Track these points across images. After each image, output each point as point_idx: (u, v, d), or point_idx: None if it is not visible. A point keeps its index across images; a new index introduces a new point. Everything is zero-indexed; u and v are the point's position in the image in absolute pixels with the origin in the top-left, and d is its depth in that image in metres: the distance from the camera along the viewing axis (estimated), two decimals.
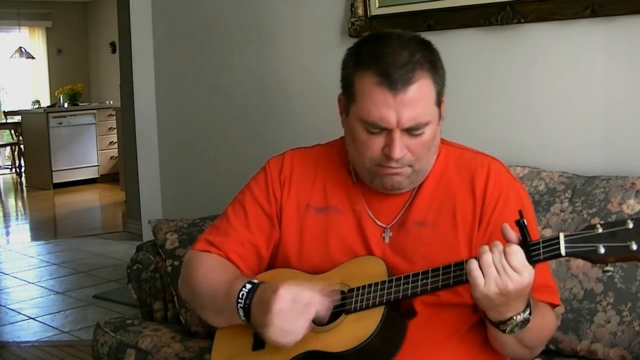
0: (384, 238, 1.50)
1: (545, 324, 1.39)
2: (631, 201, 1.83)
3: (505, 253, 1.22)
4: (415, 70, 1.37)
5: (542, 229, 1.90)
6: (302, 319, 1.33)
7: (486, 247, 1.25)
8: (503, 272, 1.22)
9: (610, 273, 1.20)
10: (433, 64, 1.41)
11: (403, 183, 1.46)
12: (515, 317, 1.28)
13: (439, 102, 1.43)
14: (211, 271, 1.54)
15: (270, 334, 1.33)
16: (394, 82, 1.36)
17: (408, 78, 1.36)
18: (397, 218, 1.50)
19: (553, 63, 2.20)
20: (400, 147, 1.39)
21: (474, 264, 1.24)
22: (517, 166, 2.08)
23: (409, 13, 2.47)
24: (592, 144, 2.15)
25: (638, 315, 1.74)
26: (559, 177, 2.00)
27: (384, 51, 1.39)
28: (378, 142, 1.41)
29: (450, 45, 2.39)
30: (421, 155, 1.43)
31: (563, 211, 1.91)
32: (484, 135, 2.33)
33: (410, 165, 1.43)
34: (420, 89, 1.37)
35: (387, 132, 1.39)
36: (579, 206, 1.89)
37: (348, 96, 1.45)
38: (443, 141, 1.56)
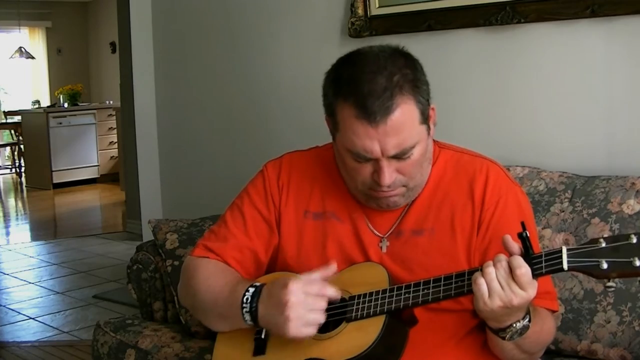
0: (381, 247, 1.49)
1: (544, 329, 1.39)
2: (631, 201, 1.83)
3: (513, 273, 1.21)
4: (394, 97, 1.33)
5: (542, 229, 1.91)
6: (318, 308, 1.34)
7: (490, 262, 1.24)
8: (508, 288, 1.22)
9: (613, 289, 1.19)
10: (414, 82, 1.37)
11: (398, 202, 1.46)
12: (514, 325, 1.28)
13: (425, 119, 1.40)
14: (211, 277, 1.53)
15: (290, 329, 1.33)
16: (373, 114, 1.33)
17: (387, 107, 1.33)
18: (393, 227, 1.50)
19: (553, 63, 2.20)
20: (389, 174, 1.38)
21: (478, 277, 1.23)
22: (517, 166, 2.08)
23: (409, 13, 2.46)
24: (592, 144, 2.14)
25: (638, 315, 1.74)
26: (559, 177, 2.00)
27: (360, 79, 1.35)
28: (367, 169, 1.40)
29: (450, 45, 2.40)
30: (413, 174, 1.42)
31: (563, 211, 1.91)
32: (484, 135, 2.33)
33: (404, 185, 1.42)
34: (402, 115, 1.34)
35: (374, 160, 1.38)
36: (579, 206, 1.89)
37: (332, 123, 1.44)
38: (440, 144, 1.56)
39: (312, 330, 1.34)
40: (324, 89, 1.45)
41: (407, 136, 1.36)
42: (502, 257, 1.24)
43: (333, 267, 1.40)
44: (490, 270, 1.23)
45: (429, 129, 1.43)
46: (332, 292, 1.36)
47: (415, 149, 1.38)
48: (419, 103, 1.37)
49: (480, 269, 1.25)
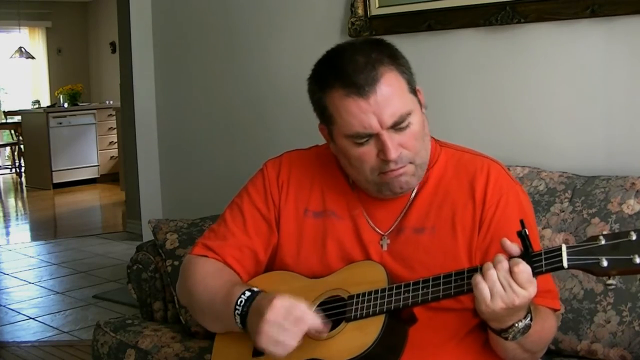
0: (382, 245, 1.49)
1: (546, 328, 1.39)
2: (631, 201, 1.83)
3: (512, 272, 1.21)
4: (377, 68, 1.37)
5: (542, 229, 1.90)
6: (293, 333, 1.32)
7: (490, 264, 1.23)
8: (509, 288, 1.21)
9: (613, 286, 1.19)
10: (392, 55, 1.41)
11: (411, 182, 1.45)
12: (516, 324, 1.28)
13: (413, 90, 1.43)
14: (209, 276, 1.53)
15: (261, 342, 1.33)
16: (361, 86, 1.35)
17: (372, 77, 1.36)
18: (394, 225, 1.49)
19: (553, 63, 2.20)
20: (394, 147, 1.38)
21: (480, 281, 1.22)
22: (517, 166, 2.08)
23: (409, 13, 2.46)
24: (592, 144, 2.14)
25: (638, 315, 1.74)
26: (559, 177, 2.00)
27: (341, 63, 1.39)
28: (371, 151, 1.40)
29: (450, 45, 2.40)
30: (417, 148, 1.42)
31: (563, 211, 1.91)
32: (484, 135, 2.32)
33: (411, 162, 1.42)
34: (389, 83, 1.37)
35: (375, 137, 1.38)
36: (579, 206, 1.89)
37: (326, 120, 1.45)
38: (441, 143, 1.56)
39: (280, 351, 1.32)
40: (309, 92, 1.48)
41: (399, 103, 1.38)
42: (502, 258, 1.24)
43: (323, 328, 1.37)
44: (492, 272, 1.22)
45: (420, 102, 1.45)
46: (314, 321, 1.34)
47: (411, 117, 1.39)
48: (402, 73, 1.41)
49: (480, 270, 1.24)
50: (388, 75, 1.37)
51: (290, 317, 1.32)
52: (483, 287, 1.22)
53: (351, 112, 1.37)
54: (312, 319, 1.34)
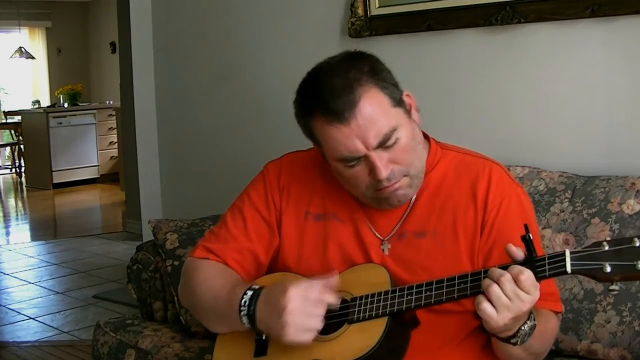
0: (383, 249, 1.49)
1: (548, 328, 1.39)
2: (631, 201, 1.83)
3: (517, 280, 1.20)
4: (355, 90, 1.34)
5: (542, 229, 1.90)
6: (316, 315, 1.33)
7: (489, 281, 1.22)
8: (516, 298, 1.20)
9: (616, 292, 1.18)
10: (371, 71, 1.38)
11: (407, 193, 1.45)
12: (523, 328, 1.27)
13: (397, 102, 1.40)
14: (210, 278, 1.53)
15: (288, 335, 1.32)
16: (341, 113, 1.34)
17: (351, 100, 1.34)
18: (395, 229, 1.49)
19: (553, 63, 2.20)
20: (385, 166, 1.37)
21: (481, 301, 1.21)
22: (517, 166, 2.08)
23: (409, 13, 2.46)
24: (592, 144, 2.14)
25: (638, 315, 1.74)
26: (559, 177, 2.00)
27: (319, 88, 1.38)
28: (362, 171, 1.40)
29: (450, 45, 2.40)
30: (409, 160, 1.41)
31: (563, 211, 1.91)
32: (484, 135, 2.32)
33: (405, 175, 1.42)
34: (369, 103, 1.35)
35: (364, 158, 1.37)
36: (579, 206, 1.89)
37: (316, 143, 1.46)
38: (442, 145, 1.56)
39: (309, 336, 1.33)
40: (295, 116, 1.47)
41: (382, 122, 1.36)
42: (501, 271, 1.22)
43: (335, 278, 1.39)
44: (494, 288, 1.21)
45: (407, 112, 1.43)
46: (332, 299, 1.35)
47: (398, 132, 1.38)
48: (383, 88, 1.38)
49: (483, 278, 1.24)
50: (367, 95, 1.35)
51: (309, 301, 1.33)
52: (486, 306, 1.21)
53: (335, 138, 1.36)
54: (329, 296, 1.35)
